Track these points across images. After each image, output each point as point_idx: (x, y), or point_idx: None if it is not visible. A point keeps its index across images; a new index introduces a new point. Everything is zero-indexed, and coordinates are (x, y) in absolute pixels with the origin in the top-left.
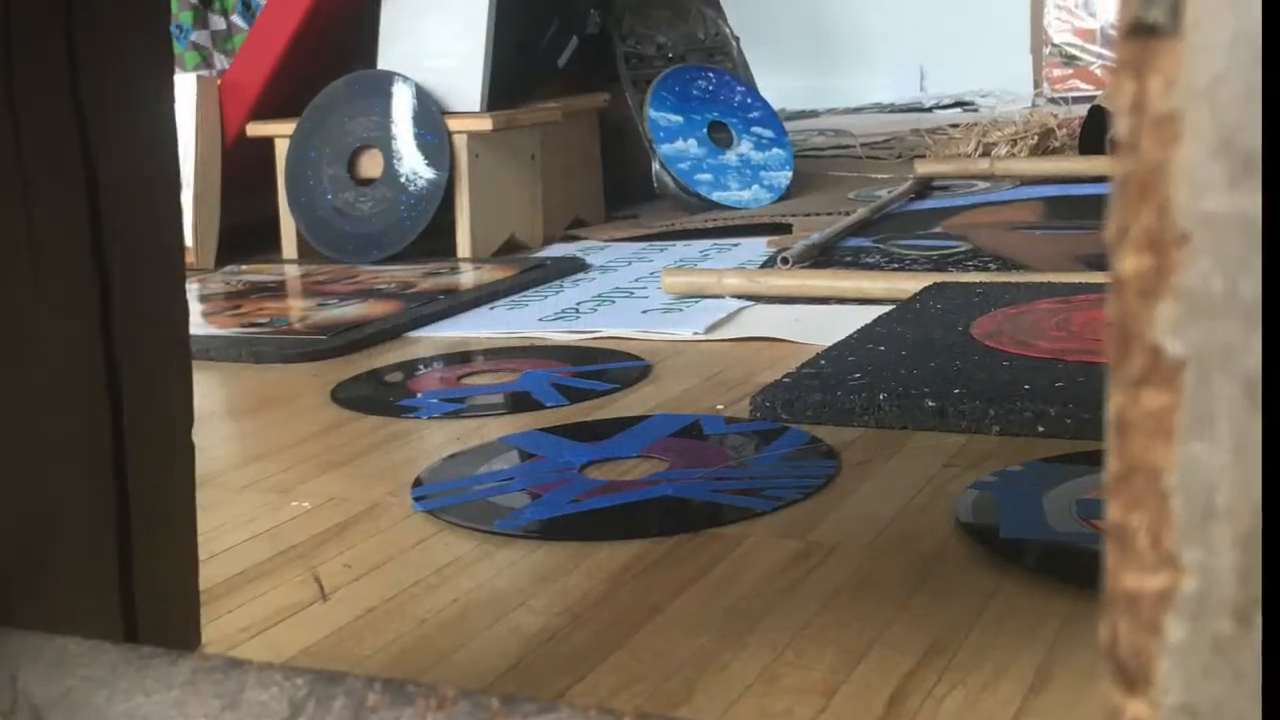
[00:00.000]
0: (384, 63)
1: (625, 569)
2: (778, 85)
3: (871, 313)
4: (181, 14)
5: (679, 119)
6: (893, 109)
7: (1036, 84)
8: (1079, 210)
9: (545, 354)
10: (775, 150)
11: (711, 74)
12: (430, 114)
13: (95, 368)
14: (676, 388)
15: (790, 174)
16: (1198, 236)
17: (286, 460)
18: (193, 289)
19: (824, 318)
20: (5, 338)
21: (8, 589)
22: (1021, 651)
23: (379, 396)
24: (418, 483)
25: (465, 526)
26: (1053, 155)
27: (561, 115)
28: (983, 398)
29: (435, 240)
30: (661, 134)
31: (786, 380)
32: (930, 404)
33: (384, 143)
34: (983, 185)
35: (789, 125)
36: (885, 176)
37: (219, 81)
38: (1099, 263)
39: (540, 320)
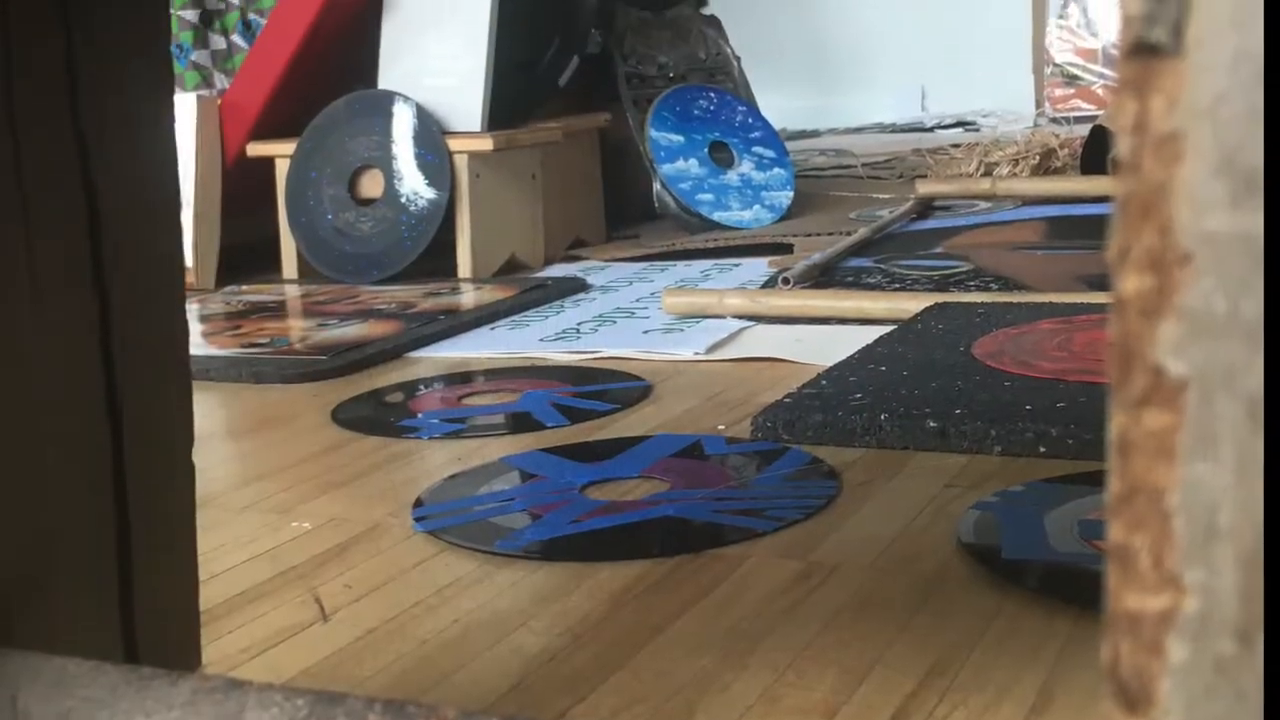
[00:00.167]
0: (384, 82)
1: (626, 589)
2: (779, 105)
3: (873, 333)
4: (182, 34)
5: (680, 139)
6: (894, 129)
7: (1038, 104)
8: (1081, 230)
9: (546, 374)
10: (776, 170)
11: (713, 94)
12: (431, 134)
13: (95, 388)
14: (677, 408)
15: (791, 194)
16: (1200, 256)
17: (287, 480)
18: (193, 309)
19: (825, 338)
20: (6, 359)
21: (8, 609)
22: (1023, 672)
23: (379, 417)
24: (418, 503)
25: (466, 547)
26: (1054, 175)
27: (562, 135)
28: (984, 418)
29: (436, 260)
30: (662, 154)
31: (788, 400)
32: (932, 424)
33: (384, 163)
34: (984, 205)
35: (790, 145)
36: (886, 196)
37: (219, 101)
38: (1101, 283)
39: (541, 340)
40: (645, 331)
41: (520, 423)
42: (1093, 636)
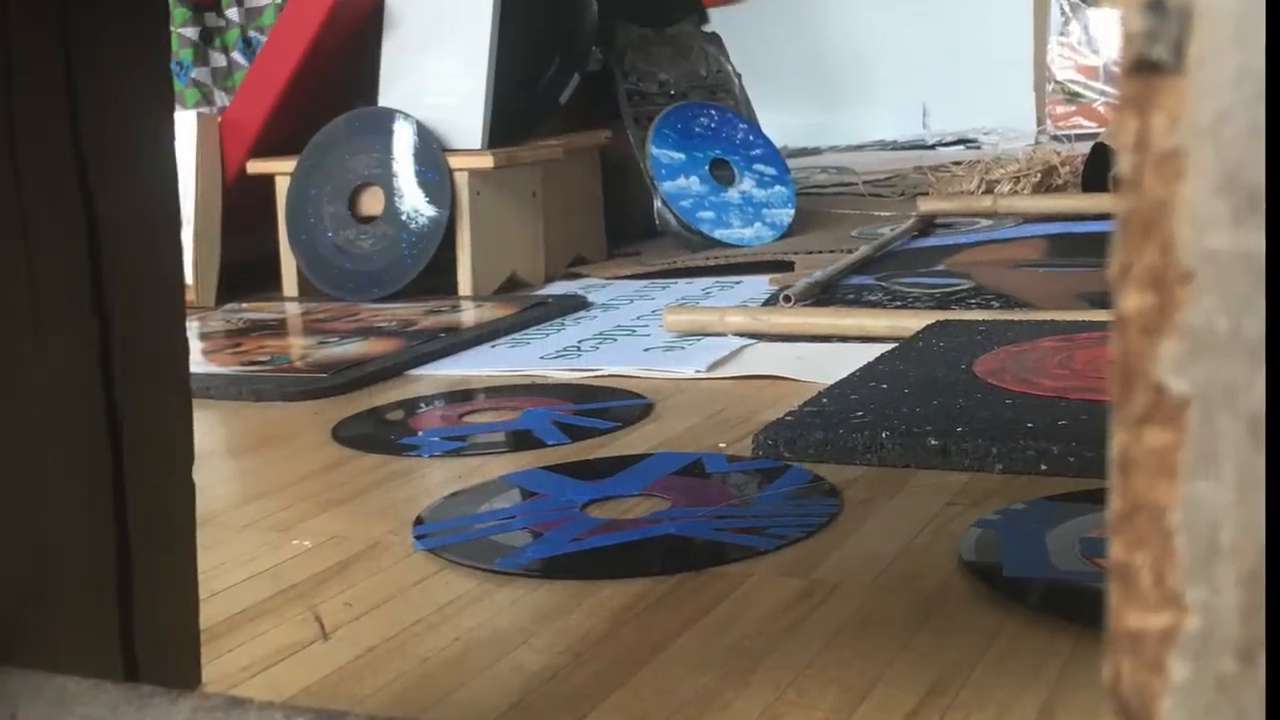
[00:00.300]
0: (385, 100)
1: (627, 607)
2: (780, 122)
3: (874, 350)
4: (182, 51)
5: (681, 156)
6: (895, 146)
7: (1039, 121)
8: (1082, 248)
9: (547, 392)
10: (777, 188)
11: (714, 111)
12: (431, 151)
13: (95, 406)
14: (678, 426)
15: (792, 211)
16: (1201, 274)
17: (287, 499)
18: (193, 327)
19: (826, 355)
20: (5, 377)
21: (8, 628)
22: (1025, 691)
23: (380, 435)
24: (419, 521)
25: (466, 565)
26: (1056, 193)
27: (563, 152)
28: (986, 436)
29: (436, 278)
30: (663, 171)
31: (789, 418)
32: (933, 442)
33: (385, 180)
34: (986, 223)
35: (791, 162)
36: (888, 214)
37: (219, 119)
38: (1102, 301)
39: (542, 358)
40: (646, 349)
41: (521, 440)
42: (1094, 655)
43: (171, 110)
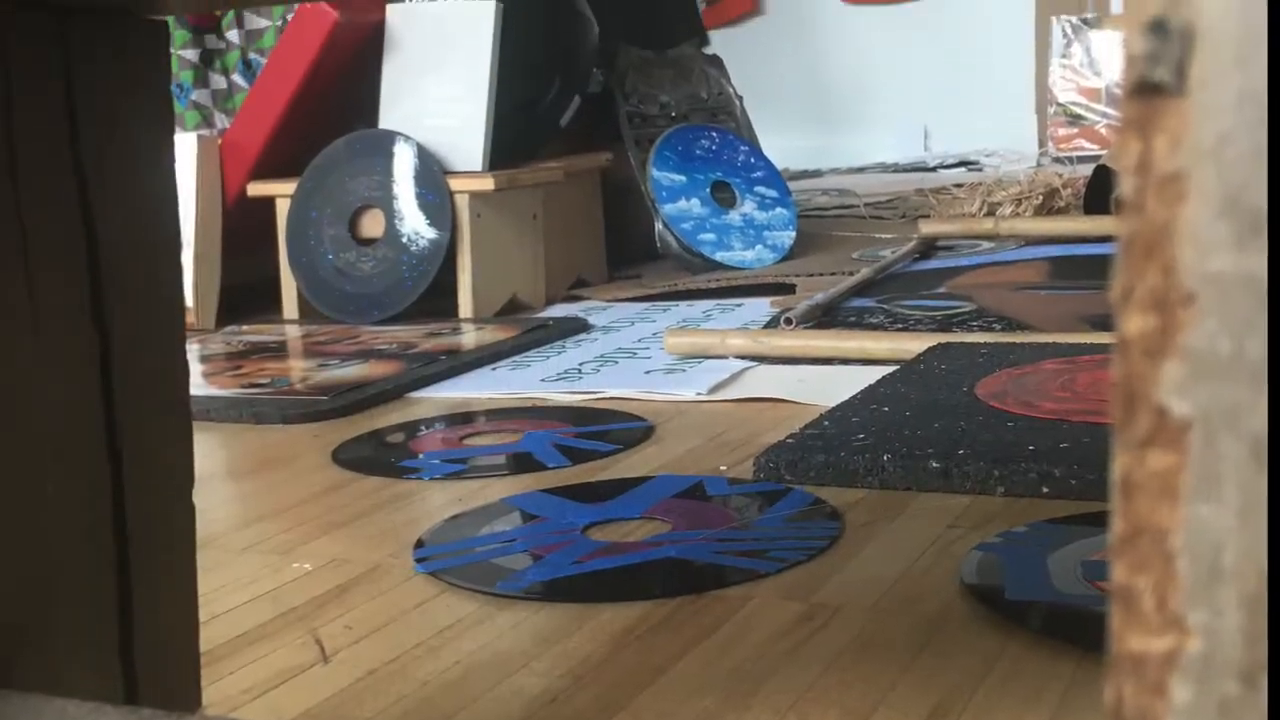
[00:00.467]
0: (385, 122)
1: (628, 631)
2: (781, 145)
3: (875, 373)
4: (182, 73)
5: (682, 178)
6: (897, 169)
7: (1041, 143)
8: (1084, 270)
9: (547, 415)
10: (779, 210)
11: (715, 133)
12: (432, 173)
13: (95, 429)
14: (679, 449)
15: (794, 234)
16: (1204, 297)
17: (287, 521)
18: (193, 349)
19: (828, 378)
20: (5, 399)
21: (8, 650)
22: (1026, 714)
23: (380, 457)
24: (419, 544)
25: (467, 588)
26: (1058, 215)
27: (564, 175)
28: (987, 459)
29: (437, 300)
30: (664, 193)
31: (790, 441)
32: (934, 465)
33: (385, 202)
34: (987, 245)
35: (792, 185)
36: (889, 236)
37: (219, 141)
38: (1104, 323)
39: (542, 381)
40: (647, 372)
41: (522, 463)
42: (1096, 678)
43: (171, 132)
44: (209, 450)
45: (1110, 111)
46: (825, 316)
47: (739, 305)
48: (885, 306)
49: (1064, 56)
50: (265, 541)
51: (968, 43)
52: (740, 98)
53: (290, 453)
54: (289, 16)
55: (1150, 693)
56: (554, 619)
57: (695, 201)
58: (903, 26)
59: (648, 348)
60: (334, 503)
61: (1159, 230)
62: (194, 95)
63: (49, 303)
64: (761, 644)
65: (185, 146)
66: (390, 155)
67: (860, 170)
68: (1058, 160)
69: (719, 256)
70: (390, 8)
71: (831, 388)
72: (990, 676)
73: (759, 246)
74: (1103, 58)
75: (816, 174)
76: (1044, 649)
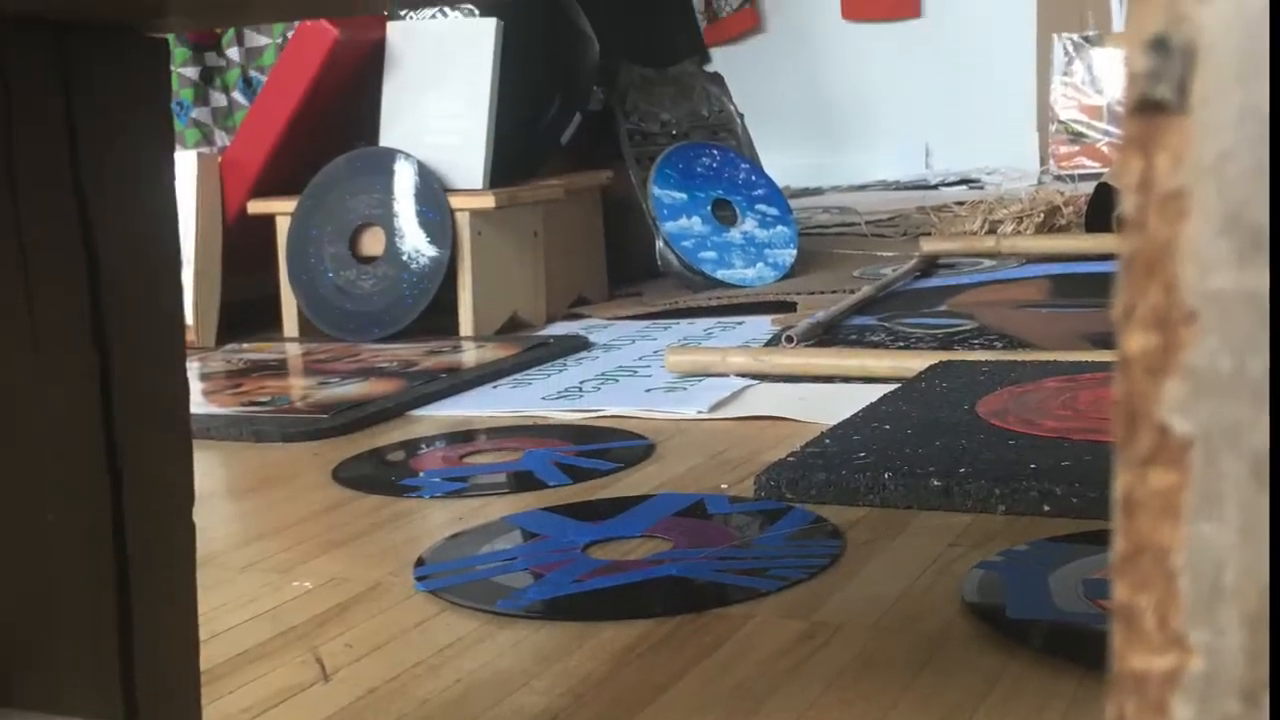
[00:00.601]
0: (386, 140)
1: (629, 649)
2: (782, 162)
3: (876, 391)
4: (182, 91)
5: (683, 196)
6: (898, 186)
7: (1043, 161)
8: (1085, 288)
9: (548, 433)
10: (779, 228)
11: (715, 151)
12: (432, 191)
13: (95, 448)
14: (680, 467)
15: (795, 252)
16: (1205, 314)
17: (288, 540)
18: (193, 367)
19: (829, 396)
20: (5, 417)
21: (7, 668)
22: None
23: (381, 475)
24: (420, 562)
25: (467, 606)
26: (1059, 233)
27: (564, 192)
28: (988, 477)
29: (437, 318)
30: (665, 211)
31: (791, 459)
32: (936, 483)
33: (386, 220)
34: (988, 263)
35: (793, 203)
36: (890, 254)
37: (220, 159)
38: (1105, 341)
39: (543, 399)
40: (648, 390)
41: (522, 482)
42: (1098, 697)
43: (172, 150)
44: (209, 468)
45: (1112, 129)
46: (826, 334)
47: (740, 323)
48: (886, 324)
49: (1065, 74)
50: (265, 560)
51: (969, 60)
52: (741, 115)
53: (290, 471)
54: (289, 34)
55: (1152, 712)
56: (555, 637)
57: (696, 219)
58: (904, 44)
59: (648, 366)
60: (334, 521)
61: (1160, 248)
62: (194, 113)
63: (49, 321)
64: (763, 662)
65: (185, 164)
66: (391, 173)
67: (861, 188)
68: (1059, 178)
69: (720, 274)
70: (391, 25)
71: (833, 406)
72: (991, 695)
73: (760, 264)
74: (1104, 75)
75: (818, 191)
76: (1045, 667)
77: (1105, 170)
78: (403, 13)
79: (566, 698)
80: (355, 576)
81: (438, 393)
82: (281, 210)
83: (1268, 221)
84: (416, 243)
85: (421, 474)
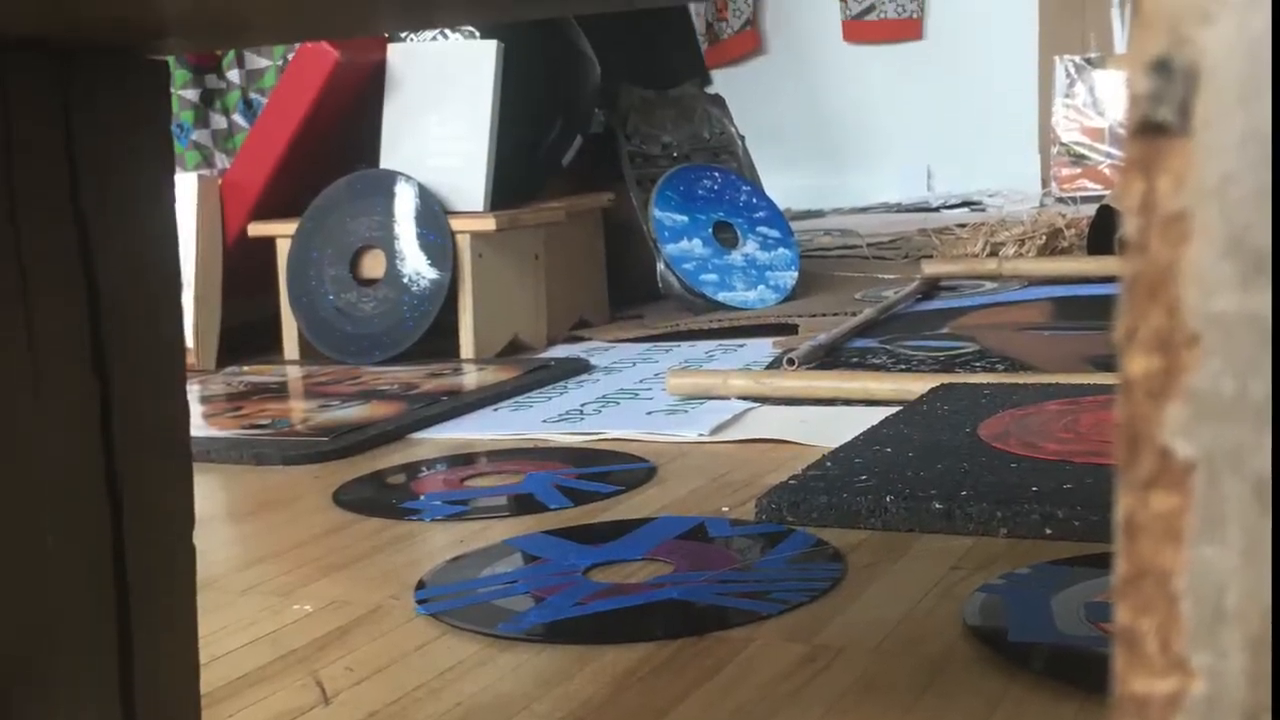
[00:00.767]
0: (386, 162)
1: (630, 672)
2: (784, 185)
3: (878, 414)
4: (182, 113)
5: (684, 218)
6: (900, 209)
7: (1044, 183)
8: (1087, 311)
9: (549, 456)
10: (781, 250)
11: (717, 173)
12: (433, 214)
13: (95, 472)
14: (682, 490)
15: (796, 274)
16: (1208, 337)
17: (288, 563)
18: (194, 390)
19: (830, 419)
20: (5, 441)
21: (8, 693)
22: None
23: (381, 498)
24: (420, 585)
25: (468, 630)
26: (1061, 255)
27: (565, 215)
28: (990, 500)
29: (438, 341)
30: (666, 234)
31: (792, 482)
32: (937, 506)
33: (386, 243)
34: (990, 286)
35: (795, 225)
36: (892, 277)
37: (220, 181)
38: (1107, 364)
39: (544, 422)
40: (649, 413)
41: (523, 505)
42: None
43: (172, 173)
44: (209, 492)
45: (1114, 151)
46: (828, 357)
47: (741, 346)
48: (888, 347)
49: (1067, 96)
50: (266, 583)
51: (970, 82)
52: (742, 137)
53: (291, 494)
54: (290, 56)
55: None
56: (555, 661)
57: (697, 242)
58: (905, 66)
59: (649, 388)
60: (335, 544)
61: (1163, 271)
62: (194, 135)
63: (49, 344)
64: (764, 685)
65: (186, 186)
66: (391, 195)
67: (863, 210)
68: (1061, 200)
69: (721, 297)
70: (391, 47)
71: (834, 429)
72: (993, 718)
73: (761, 287)
74: (1106, 97)
75: (819, 214)
76: (1047, 691)
77: (1107, 192)
78: (403, 35)
79: None
80: (356, 599)
81: (438, 415)
82: (282, 233)
83: (1270, 244)
84: (417, 265)
85: (422, 497)
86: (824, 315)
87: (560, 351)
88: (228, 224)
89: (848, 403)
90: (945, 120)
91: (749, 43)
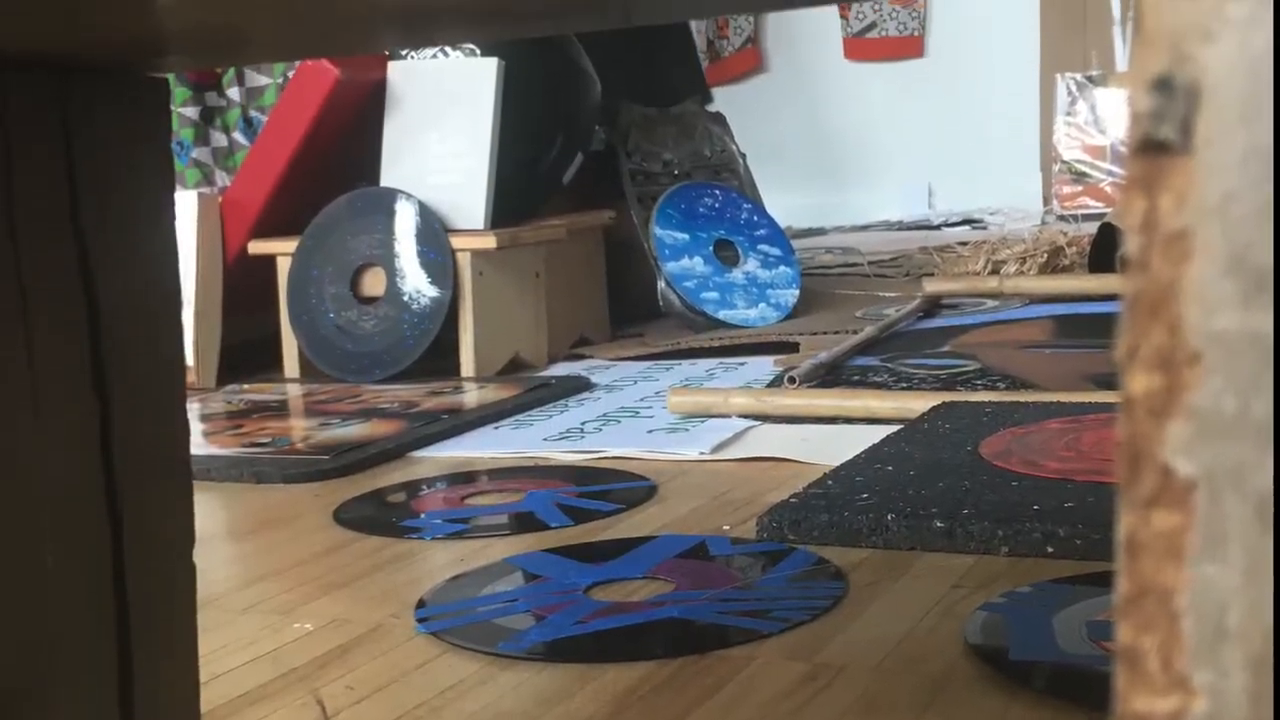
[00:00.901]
0: (387, 180)
1: (631, 691)
2: (785, 203)
3: (879, 432)
4: (183, 131)
5: (685, 236)
6: (901, 226)
7: (1046, 201)
8: (1089, 329)
9: (550, 474)
10: (782, 268)
11: (718, 191)
12: (433, 231)
13: (95, 491)
14: (682, 508)
15: (797, 292)
16: (1209, 355)
17: (288, 581)
18: (194, 408)
19: (831, 437)
20: (5, 460)
21: (7, 713)
22: None
23: (382, 517)
24: (421, 604)
25: (469, 648)
26: (1062, 273)
27: (566, 233)
28: (991, 518)
29: (438, 359)
30: (667, 251)
31: (793, 500)
32: (939, 524)
33: (387, 261)
34: (991, 304)
35: (796, 243)
36: (893, 295)
37: (220, 199)
38: (1109, 382)
39: (545, 440)
40: (650, 431)
41: (524, 523)
42: None
43: (172, 191)
44: (210, 510)
45: (1115, 169)
46: (829, 375)
47: (742, 364)
48: (889, 365)
49: (1069, 114)
50: (266, 602)
51: (972, 100)
52: (743, 155)
53: (291, 512)
54: (290, 74)
55: None
56: (556, 680)
57: (698, 260)
58: (906, 84)
59: (650, 407)
60: (335, 563)
61: (1164, 289)
62: (194, 153)
63: (49, 363)
64: (765, 704)
65: (186, 204)
66: (392, 213)
67: (864, 228)
68: (1062, 218)
69: (722, 315)
70: (392, 65)
71: (835, 447)
72: None
73: (762, 305)
74: (1107, 115)
75: (820, 232)
76: (1049, 709)
77: (1109, 210)
78: (404, 52)
79: None
80: (356, 618)
81: (439, 434)
82: (282, 251)
83: (1272, 262)
84: (418, 283)
85: (423, 515)
86: (825, 333)
87: (561, 369)
88: (228, 242)
89: (849, 421)
90: (946, 138)
91: (750, 60)
